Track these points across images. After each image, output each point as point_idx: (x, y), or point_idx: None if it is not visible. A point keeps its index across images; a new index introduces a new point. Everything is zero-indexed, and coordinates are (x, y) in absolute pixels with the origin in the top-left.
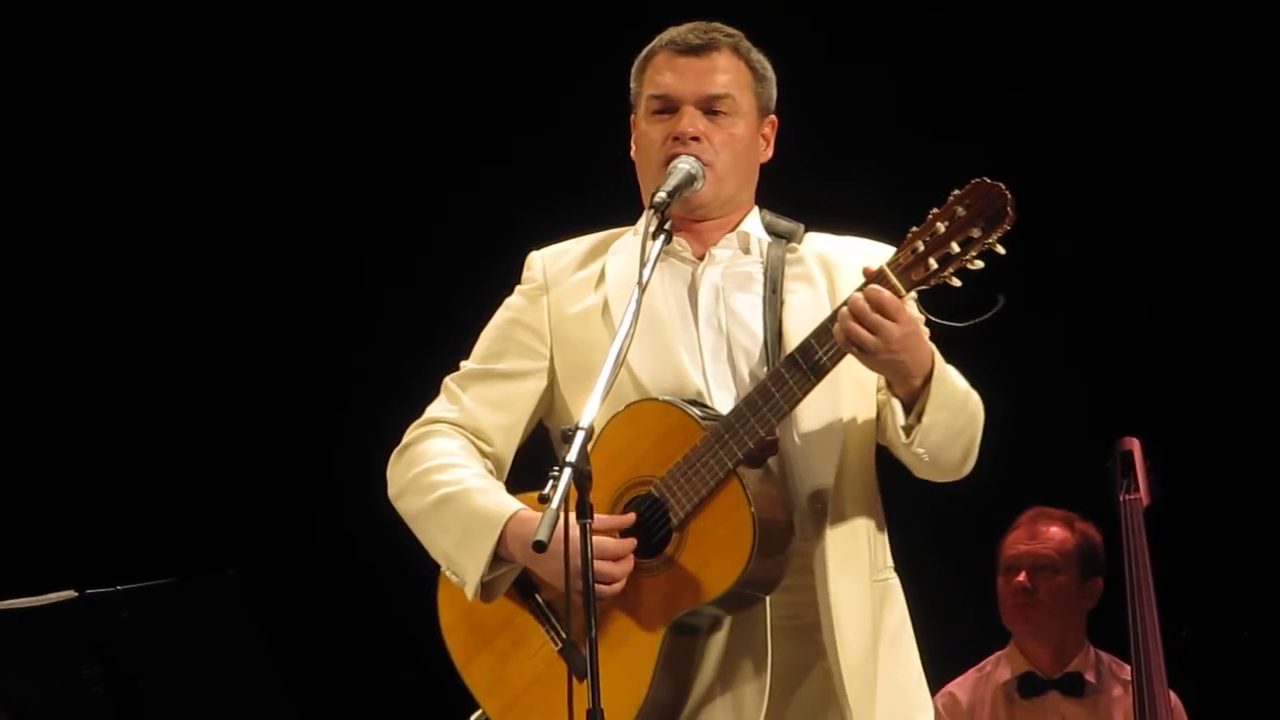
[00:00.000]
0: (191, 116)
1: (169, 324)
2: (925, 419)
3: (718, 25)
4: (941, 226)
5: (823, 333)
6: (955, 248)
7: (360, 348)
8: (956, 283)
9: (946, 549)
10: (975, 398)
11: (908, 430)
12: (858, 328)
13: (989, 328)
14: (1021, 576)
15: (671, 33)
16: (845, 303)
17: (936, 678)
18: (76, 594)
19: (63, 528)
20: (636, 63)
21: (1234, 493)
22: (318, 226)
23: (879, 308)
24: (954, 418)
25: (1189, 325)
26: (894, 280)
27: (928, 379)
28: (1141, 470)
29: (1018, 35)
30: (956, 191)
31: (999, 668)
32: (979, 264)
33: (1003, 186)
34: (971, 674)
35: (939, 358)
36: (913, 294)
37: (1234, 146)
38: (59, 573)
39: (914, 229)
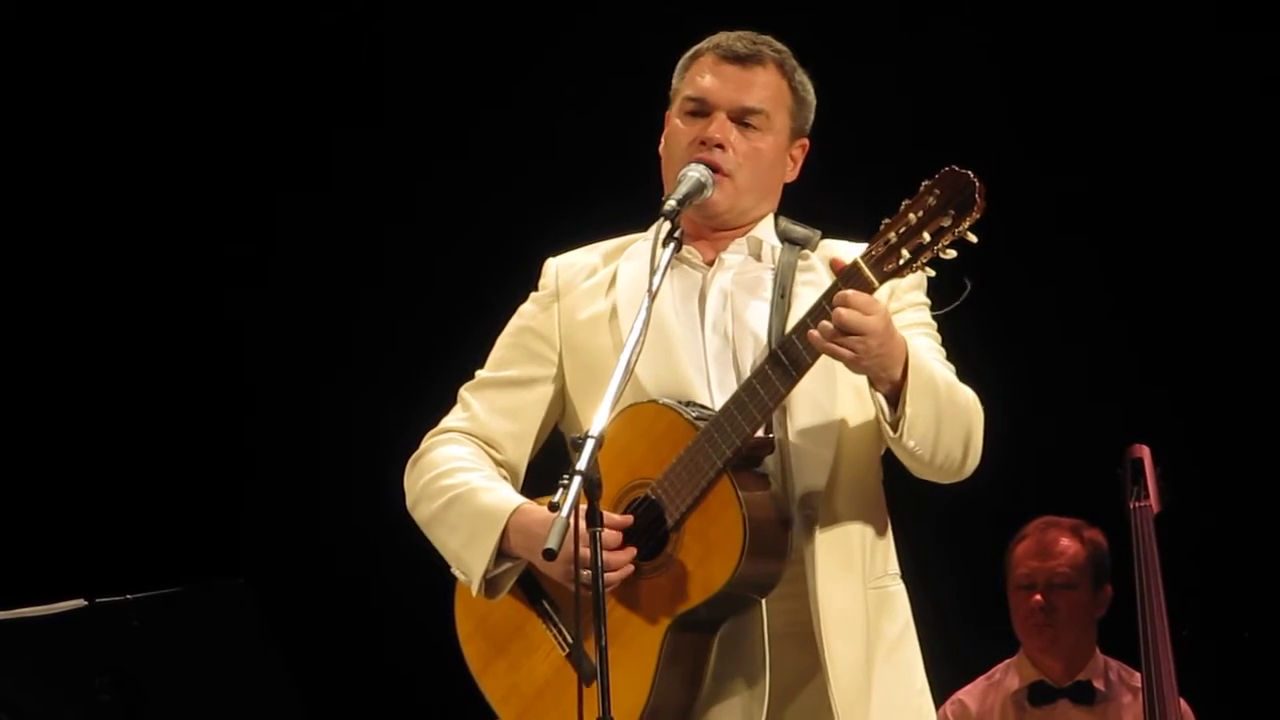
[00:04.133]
0: (218, 120)
1: (187, 330)
2: (909, 408)
3: (768, 39)
4: (914, 217)
5: (803, 329)
6: (927, 237)
7: (376, 357)
8: (930, 272)
9: (954, 554)
10: (964, 391)
11: (894, 425)
12: (841, 341)
13: (1004, 332)
14: (1038, 597)
15: (721, 37)
16: (822, 299)
17: (944, 682)
18: (86, 603)
19: (72, 537)
20: (682, 60)
21: (1243, 499)
22: (336, 237)
23: (857, 305)
24: (938, 405)
25: (1202, 332)
26: (867, 273)
27: (906, 370)
28: (1151, 477)
29: (1033, 54)
30: (927, 181)
31: (1008, 676)
32: (951, 253)
33: (971, 174)
34: (981, 682)
35: (913, 348)
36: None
37: (1244, 161)
38: (68, 582)
39: (886, 220)
